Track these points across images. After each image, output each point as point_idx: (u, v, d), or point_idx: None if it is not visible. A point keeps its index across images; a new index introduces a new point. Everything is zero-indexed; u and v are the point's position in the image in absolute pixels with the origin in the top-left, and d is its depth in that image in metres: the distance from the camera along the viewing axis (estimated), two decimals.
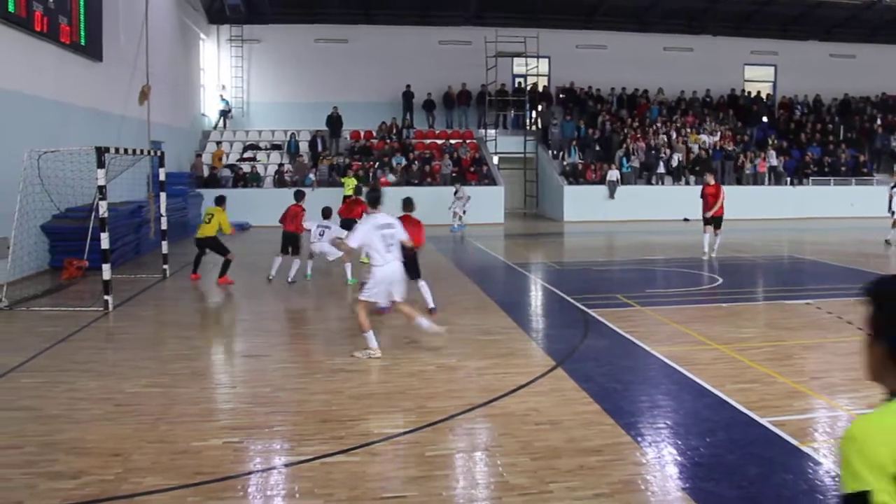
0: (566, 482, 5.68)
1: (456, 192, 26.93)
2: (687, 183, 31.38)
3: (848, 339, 10.36)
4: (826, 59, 38.96)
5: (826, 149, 35.06)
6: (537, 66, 35.76)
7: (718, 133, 34.61)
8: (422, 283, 11.96)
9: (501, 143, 33.53)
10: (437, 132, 33.92)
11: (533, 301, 14.06)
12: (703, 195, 18.89)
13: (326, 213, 15.36)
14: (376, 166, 30.28)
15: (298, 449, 6.38)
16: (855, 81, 38.88)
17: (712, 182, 18.83)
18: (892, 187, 21.79)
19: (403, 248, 9.85)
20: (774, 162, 33.06)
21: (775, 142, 34.33)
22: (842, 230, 26.94)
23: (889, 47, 39.46)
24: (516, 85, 35.85)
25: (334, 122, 32.30)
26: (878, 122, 37.69)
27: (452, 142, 33.02)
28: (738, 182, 32.16)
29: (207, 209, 16.09)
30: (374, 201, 9.66)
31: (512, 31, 33.18)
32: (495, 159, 33.14)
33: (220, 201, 15.75)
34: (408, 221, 11.27)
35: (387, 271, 9.31)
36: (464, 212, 26.89)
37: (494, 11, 34.62)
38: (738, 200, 30.99)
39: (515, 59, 35.27)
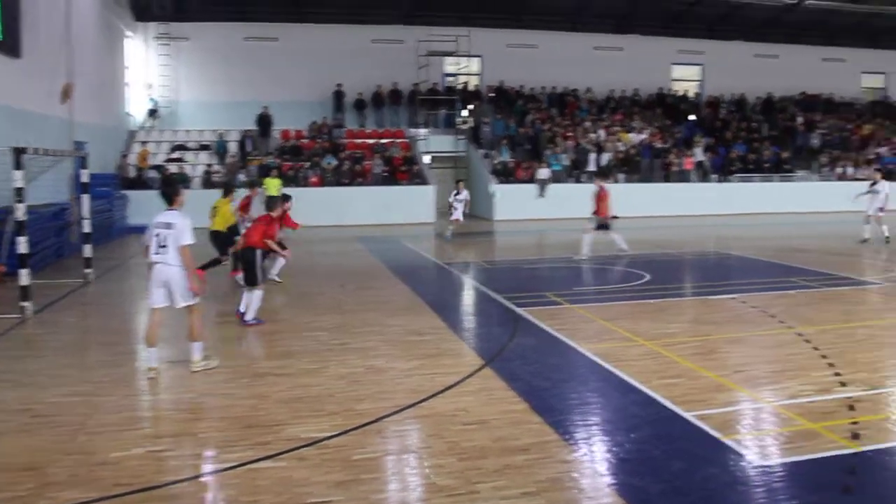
0: (493, 482, 5.72)
1: (457, 193, 23.88)
2: (616, 181, 31.75)
3: (770, 332, 10.63)
4: (750, 59, 39.91)
5: (751, 146, 35.87)
6: (469, 65, 35.94)
7: (647, 131, 35.16)
8: (256, 292, 11.39)
9: (433, 143, 33.53)
10: (369, 132, 33.79)
11: (463, 301, 14.09)
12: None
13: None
14: (307, 166, 30.01)
15: (223, 456, 6.30)
16: (778, 81, 40.04)
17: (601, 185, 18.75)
18: (872, 185, 22.15)
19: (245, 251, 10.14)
20: (701, 158, 33.69)
21: (702, 139, 34.96)
22: (766, 226, 27.58)
23: (809, 48, 40.64)
24: (447, 84, 35.95)
25: (264, 121, 31.95)
26: (800, 120, 38.74)
27: (383, 141, 32.90)
28: (666, 179, 32.74)
29: (216, 202, 14.98)
30: (164, 196, 8.86)
31: (444, 30, 33.29)
32: (426, 158, 33.12)
33: (227, 191, 14.87)
34: (259, 220, 11.57)
35: (154, 272, 8.71)
36: (462, 214, 23.52)
37: (426, 11, 34.62)
38: (666, 197, 31.69)
39: (447, 59, 35.40)
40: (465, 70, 36.14)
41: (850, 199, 22.98)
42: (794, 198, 33.41)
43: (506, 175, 31.30)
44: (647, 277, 15.49)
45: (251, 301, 11.32)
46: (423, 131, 33.66)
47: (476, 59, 36.31)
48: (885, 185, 21.81)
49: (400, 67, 33.70)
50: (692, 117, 37.79)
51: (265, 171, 27.40)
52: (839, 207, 33.40)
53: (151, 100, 33.41)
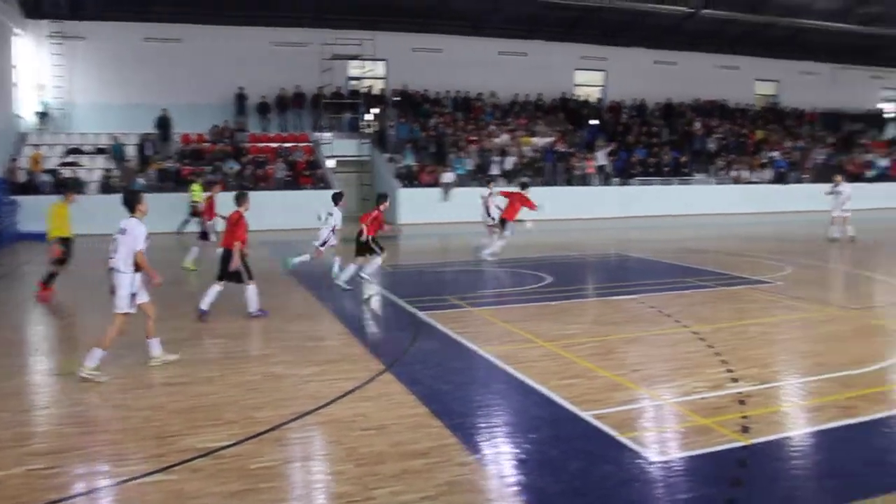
0: (391, 487, 5.70)
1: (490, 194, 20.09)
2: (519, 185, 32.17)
3: (667, 331, 10.89)
4: (651, 66, 40.99)
5: (651, 150, 36.81)
6: (373, 69, 35.85)
7: (550, 135, 35.69)
8: (215, 287, 11.87)
9: (337, 147, 33.33)
10: (272, 135, 33.38)
11: (364, 305, 14.01)
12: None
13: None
14: (208, 170, 29.44)
15: (114, 470, 6.10)
16: (677, 87, 41.26)
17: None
18: (835, 187, 23.09)
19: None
20: (603, 163, 34.36)
21: (604, 143, 35.67)
22: (666, 228, 28.27)
23: (707, 55, 41.98)
24: (352, 88, 35.78)
25: (164, 124, 31.21)
26: (697, 125, 39.94)
27: (287, 145, 32.55)
28: (569, 182, 33.29)
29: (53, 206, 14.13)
30: (126, 205, 8.98)
31: (348, 33, 33.05)
32: (331, 163, 32.89)
33: (66, 194, 14.25)
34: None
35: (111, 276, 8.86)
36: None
37: (330, 13, 34.32)
38: (568, 200, 32.14)
39: (351, 62, 35.22)
40: (369, 74, 36.05)
41: (824, 195, 23.89)
42: (693, 200, 34.42)
43: (410, 179, 31.33)
44: (549, 280, 15.69)
45: (249, 297, 11.91)
46: (327, 135, 33.38)
47: (381, 63, 36.26)
48: (847, 187, 22.86)
49: (304, 70, 33.34)
50: (594, 122, 38.53)
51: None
52: (735, 209, 34.71)
53: (42, 102, 32.25)
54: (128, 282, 8.73)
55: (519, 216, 18.92)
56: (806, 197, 37.00)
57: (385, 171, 32.30)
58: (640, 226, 29.03)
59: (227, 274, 11.80)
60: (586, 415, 7.19)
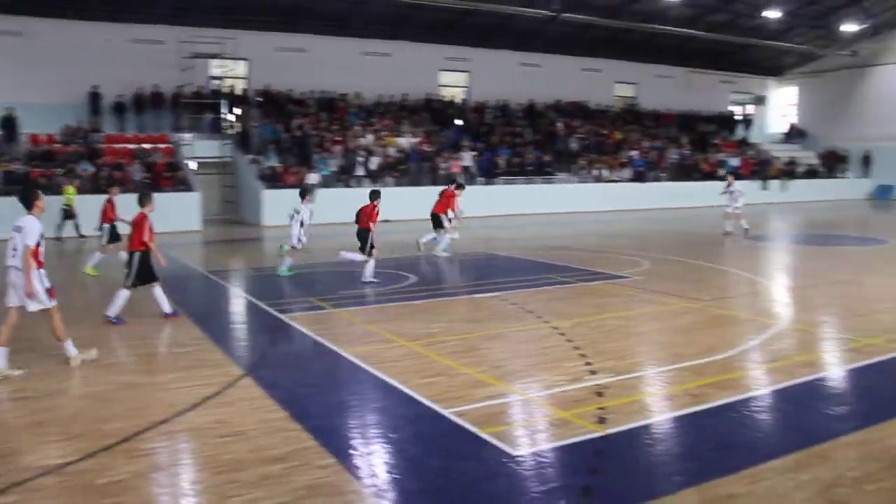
0: (248, 494, 5.57)
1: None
2: (385, 185, 32.13)
3: (528, 327, 11.08)
4: (515, 68, 41.65)
5: (515, 150, 37.41)
6: (235, 69, 35.05)
7: (415, 136, 35.80)
8: (155, 289, 11.95)
9: (198, 148, 32.33)
10: (129, 136, 32.13)
11: (225, 309, 13.67)
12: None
13: None
14: (60, 173, 28.10)
15: None
16: (540, 88, 42.06)
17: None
18: (728, 186, 24.64)
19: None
20: (468, 163, 34.70)
21: (468, 143, 36.03)
22: (530, 226, 28.78)
23: (569, 58, 42.97)
24: (213, 87, 34.88)
25: (8, 124, 29.57)
26: (560, 125, 40.89)
27: (145, 146, 31.40)
28: (434, 183, 33.36)
29: None
30: (23, 201, 9.02)
31: (208, 31, 32.12)
32: (192, 164, 31.97)
33: None
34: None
35: (8, 274, 8.94)
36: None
37: (190, 11, 33.18)
38: (433, 200, 32.20)
39: (212, 61, 34.30)
40: (231, 73, 35.24)
41: (718, 195, 25.53)
42: (556, 199, 35.18)
43: (274, 180, 30.80)
44: (413, 279, 15.72)
45: (116, 298, 11.71)
46: (187, 136, 32.34)
47: (243, 63, 35.50)
48: (738, 186, 24.69)
49: (162, 69, 32.08)
50: (459, 122, 38.87)
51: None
52: (597, 207, 35.69)
53: None
54: (36, 278, 8.77)
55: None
56: (664, 195, 38.58)
57: (248, 173, 31.64)
58: (505, 224, 29.46)
59: (146, 276, 11.81)
60: (447, 412, 7.21)
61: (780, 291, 14.81)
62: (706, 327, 11.16)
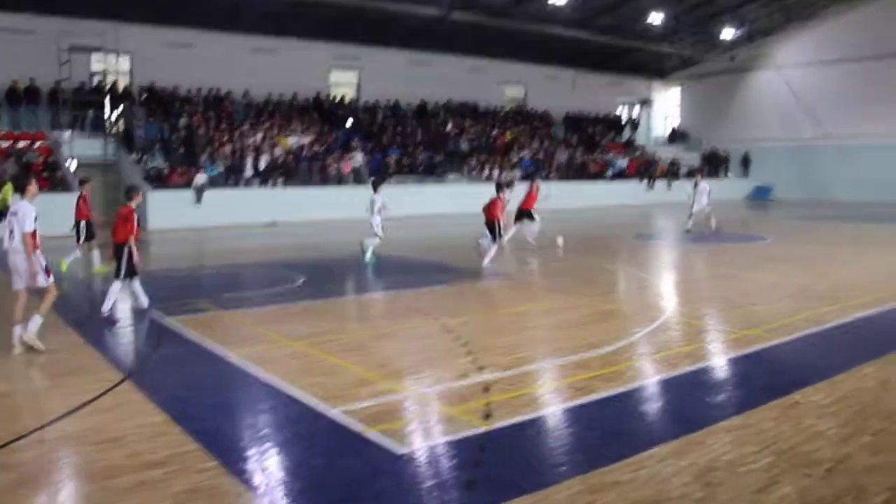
0: (125, 501, 5.37)
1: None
2: (274, 185, 31.75)
3: (416, 326, 11.09)
4: (405, 67, 41.57)
5: (405, 150, 37.43)
6: (118, 64, 33.87)
7: (305, 135, 35.41)
8: (133, 284, 12.13)
9: (79, 147, 31.12)
10: (2, 133, 30.72)
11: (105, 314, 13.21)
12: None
13: None
14: None
15: None
16: (430, 88, 42.09)
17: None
18: (695, 186, 25.77)
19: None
20: (358, 163, 34.55)
21: (359, 144, 35.86)
22: (422, 226, 28.82)
23: (459, 58, 43.14)
24: (95, 83, 33.63)
25: None
26: (450, 126, 41.09)
27: (20, 144, 30.06)
28: (324, 182, 33.17)
29: None
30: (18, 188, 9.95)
31: (88, 23, 30.88)
32: (72, 164, 30.78)
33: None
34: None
35: (8, 257, 9.78)
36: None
37: (66, 0, 31.83)
38: (324, 200, 32.03)
39: (94, 55, 33.04)
40: (114, 68, 34.06)
41: (686, 196, 26.91)
42: (447, 199, 35.26)
43: (160, 181, 29.97)
44: (302, 279, 15.52)
45: (109, 293, 11.87)
46: (67, 134, 31.10)
47: (126, 57, 34.34)
48: (705, 184, 25.78)
49: (38, 62, 30.65)
50: (350, 122, 38.66)
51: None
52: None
53: None
54: (34, 258, 9.59)
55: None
56: (553, 194, 39.19)
57: (132, 173, 30.68)
58: (396, 225, 29.31)
59: (129, 269, 11.95)
60: (333, 412, 7.13)
61: (664, 287, 15.22)
62: (592, 322, 11.37)
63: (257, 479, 5.76)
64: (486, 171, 38.65)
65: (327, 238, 24.41)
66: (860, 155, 44.44)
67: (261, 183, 31.83)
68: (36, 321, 9.63)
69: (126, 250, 11.79)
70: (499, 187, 17.86)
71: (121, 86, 33.87)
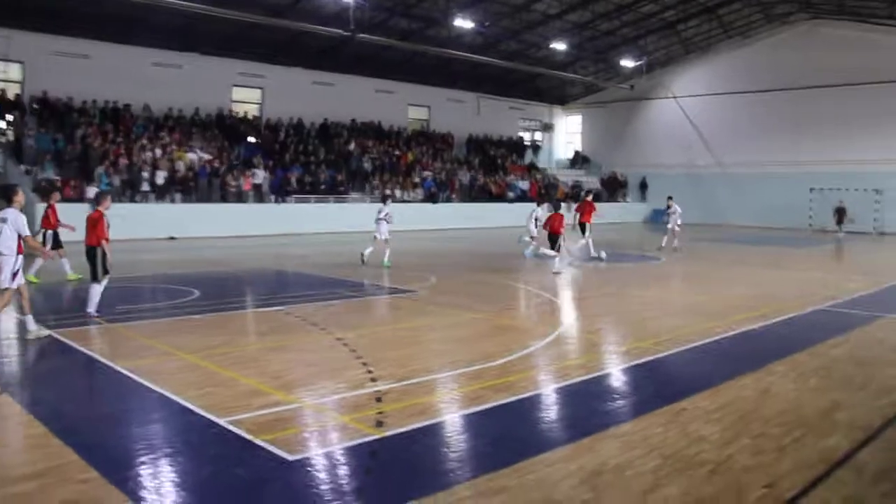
0: None
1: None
2: (172, 201, 31.09)
3: (311, 339, 11.02)
4: (309, 86, 41.38)
5: (308, 168, 37.14)
6: (7, 72, 32.69)
7: (206, 151, 34.80)
8: (95, 287, 12.44)
9: None
10: None
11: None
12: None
13: None
14: None
15: None
16: (334, 107, 41.96)
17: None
18: (668, 209, 27.76)
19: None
20: (259, 180, 34.12)
21: (261, 161, 35.42)
22: (322, 244, 28.60)
23: (363, 79, 43.29)
24: None
25: None
26: (353, 145, 41.03)
27: None
28: (223, 199, 32.64)
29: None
30: (4, 197, 10.67)
31: None
32: None
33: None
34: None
35: None
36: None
37: None
38: (223, 218, 31.53)
39: None
40: (3, 76, 32.84)
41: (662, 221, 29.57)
42: (349, 217, 35.07)
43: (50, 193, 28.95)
44: (197, 293, 15.20)
45: (91, 294, 12.44)
46: None
47: (17, 66, 33.21)
48: (677, 207, 27.53)
49: None
50: (252, 139, 38.19)
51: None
52: (390, 227, 35.86)
53: None
54: (12, 262, 10.39)
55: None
56: (454, 215, 39.55)
57: (22, 185, 29.53)
58: (296, 242, 29.17)
59: (105, 269, 12.52)
60: (222, 421, 7.02)
61: (560, 303, 15.44)
62: (487, 336, 11.50)
63: (141, 489, 5.61)
64: (389, 191, 38.64)
65: (226, 254, 23.99)
66: (748, 183, 46.82)
67: (157, 198, 31.09)
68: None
69: (100, 252, 12.35)
70: (558, 204, 20.95)
71: (10, 94, 32.67)
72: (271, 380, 8.58)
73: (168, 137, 34.63)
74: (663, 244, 27.06)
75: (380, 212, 21.44)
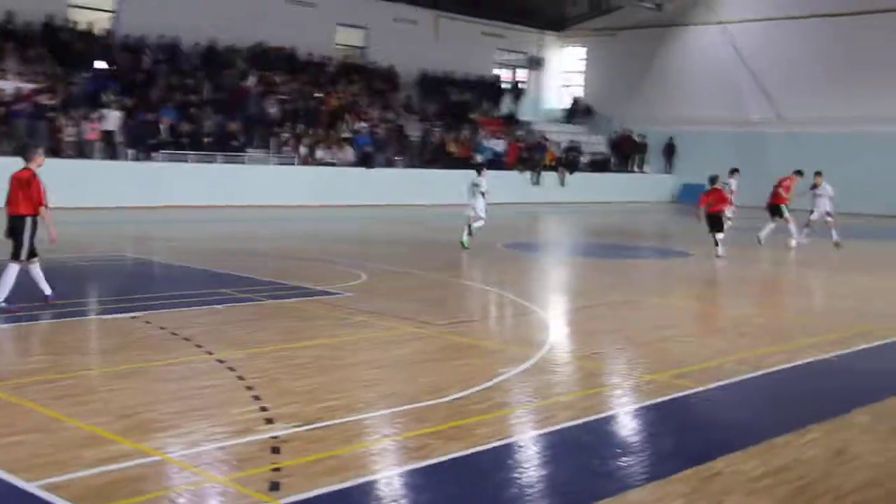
0: None
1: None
2: None
3: (181, 360, 10.92)
4: None
5: (185, 112, 36.77)
6: None
7: (25, 80, 34.10)
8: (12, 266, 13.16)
9: None
10: None
11: None
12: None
13: None
14: None
15: None
16: (226, 23, 41.04)
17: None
18: (812, 187, 27.66)
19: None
20: (111, 126, 33.71)
21: (113, 98, 34.96)
22: (206, 222, 28.44)
23: None
24: None
25: None
26: (253, 80, 40.60)
27: None
28: (56, 153, 31.98)
29: None
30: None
31: None
32: None
33: None
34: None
35: None
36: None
37: None
38: (53, 179, 30.88)
39: None
40: None
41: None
42: (244, 185, 34.83)
43: None
44: (6, 293, 14.95)
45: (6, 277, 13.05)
46: None
47: None
48: (827, 186, 27.30)
49: None
50: (101, 65, 37.76)
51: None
52: (304, 200, 35.74)
53: None
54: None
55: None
56: (397, 186, 39.31)
57: None
58: (168, 219, 28.97)
59: (32, 248, 13.24)
60: (32, 486, 6.79)
61: (543, 315, 15.43)
62: (438, 360, 11.45)
63: None
64: (305, 150, 38.41)
65: (65, 234, 23.64)
66: (832, 147, 45.09)
67: None
68: None
69: (29, 224, 12.85)
70: (713, 179, 23.53)
71: None
72: (115, 420, 8.40)
73: None
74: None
75: (477, 185, 24.01)
